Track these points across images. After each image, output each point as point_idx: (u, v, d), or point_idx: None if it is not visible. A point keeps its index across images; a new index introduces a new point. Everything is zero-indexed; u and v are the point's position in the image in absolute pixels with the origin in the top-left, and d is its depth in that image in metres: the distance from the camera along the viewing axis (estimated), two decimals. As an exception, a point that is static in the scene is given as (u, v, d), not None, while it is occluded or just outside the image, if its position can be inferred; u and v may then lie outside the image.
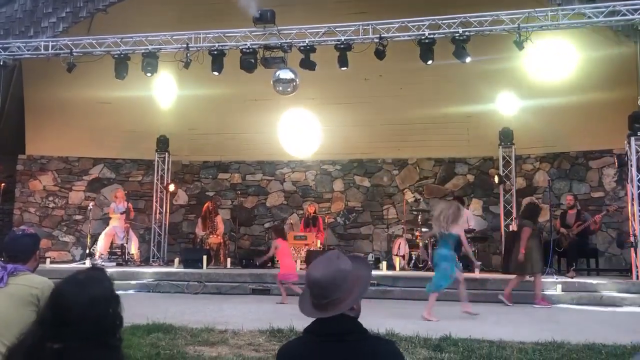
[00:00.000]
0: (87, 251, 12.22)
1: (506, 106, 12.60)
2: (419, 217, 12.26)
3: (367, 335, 1.99)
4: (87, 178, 13.95)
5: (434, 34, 9.65)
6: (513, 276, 8.72)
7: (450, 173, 13.45)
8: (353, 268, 2.02)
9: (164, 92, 13.67)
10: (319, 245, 11.95)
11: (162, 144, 13.35)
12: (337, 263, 2.01)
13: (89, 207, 12.51)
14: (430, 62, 9.71)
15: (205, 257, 11.16)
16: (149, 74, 10.63)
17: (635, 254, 9.33)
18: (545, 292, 8.70)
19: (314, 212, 12.70)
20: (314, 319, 2.01)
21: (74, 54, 10.64)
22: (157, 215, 13.13)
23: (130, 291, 9.57)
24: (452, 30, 9.57)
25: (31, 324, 1.92)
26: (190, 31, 10.50)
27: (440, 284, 7.32)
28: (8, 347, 1.98)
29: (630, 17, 9.02)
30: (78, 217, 13.69)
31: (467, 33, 9.50)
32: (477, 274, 10.01)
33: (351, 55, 10.00)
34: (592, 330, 6.18)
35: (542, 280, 8.69)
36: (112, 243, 12.26)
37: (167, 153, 13.38)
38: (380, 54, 9.79)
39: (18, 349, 1.89)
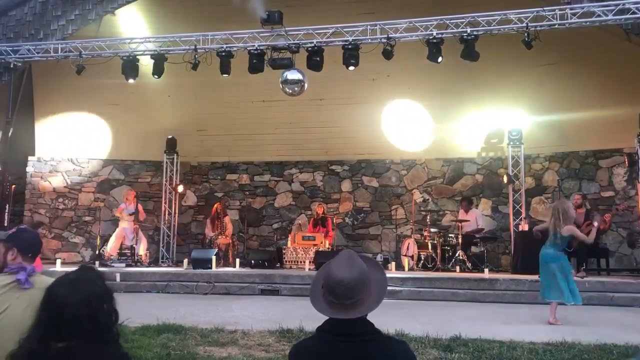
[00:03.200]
0: (97, 252, 12.29)
1: (515, 105, 12.54)
2: (428, 217, 12.23)
3: (381, 336, 1.99)
4: (97, 179, 14.02)
5: (441, 33, 9.62)
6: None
7: (459, 173, 13.39)
8: (368, 268, 2.02)
9: (172, 93, 13.71)
10: (327, 245, 11.92)
11: (171, 145, 13.42)
12: (360, 263, 2.00)
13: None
14: (440, 59, 9.68)
15: (214, 258, 11.20)
16: (156, 76, 10.67)
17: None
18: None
19: (323, 213, 12.68)
20: (327, 317, 2.00)
21: (83, 56, 10.71)
22: (166, 216, 13.19)
23: (140, 292, 9.61)
24: (460, 29, 9.53)
25: (29, 327, 1.93)
26: (198, 33, 10.53)
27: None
28: (10, 351, 1.97)
29: (640, 14, 8.95)
30: (88, 218, 13.79)
31: (475, 32, 9.47)
32: (486, 274, 9.97)
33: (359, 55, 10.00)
34: (604, 330, 6.13)
35: None
36: (121, 244, 12.32)
37: (175, 154, 13.45)
38: (388, 54, 9.78)
39: (20, 352, 1.91)
